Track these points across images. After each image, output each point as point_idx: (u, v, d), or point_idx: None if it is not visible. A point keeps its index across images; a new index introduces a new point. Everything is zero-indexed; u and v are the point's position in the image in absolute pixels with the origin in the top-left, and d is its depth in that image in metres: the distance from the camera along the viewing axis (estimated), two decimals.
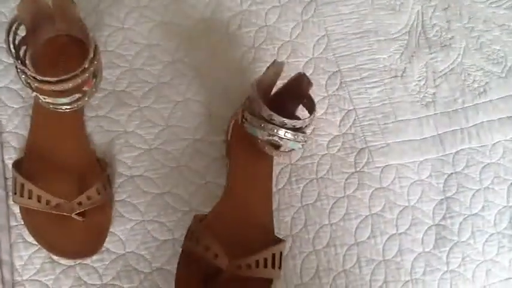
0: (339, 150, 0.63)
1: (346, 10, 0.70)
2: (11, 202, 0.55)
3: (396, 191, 0.61)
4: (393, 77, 0.67)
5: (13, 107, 0.59)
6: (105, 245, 0.55)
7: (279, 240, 0.54)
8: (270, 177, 0.58)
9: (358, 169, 0.62)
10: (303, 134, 0.52)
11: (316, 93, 0.64)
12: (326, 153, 0.62)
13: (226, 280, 0.49)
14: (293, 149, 0.54)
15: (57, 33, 0.58)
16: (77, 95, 0.52)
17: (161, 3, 0.65)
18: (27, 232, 0.54)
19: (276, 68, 0.55)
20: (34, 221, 0.53)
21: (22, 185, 0.52)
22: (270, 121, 0.50)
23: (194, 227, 0.52)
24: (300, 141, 0.52)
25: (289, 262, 0.57)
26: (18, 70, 0.50)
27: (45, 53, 0.58)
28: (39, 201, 0.51)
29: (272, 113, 0.50)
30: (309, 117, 0.52)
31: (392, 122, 0.65)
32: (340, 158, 0.62)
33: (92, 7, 0.64)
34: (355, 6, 0.70)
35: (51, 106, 0.52)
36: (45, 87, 0.50)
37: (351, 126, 0.64)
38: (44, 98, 0.51)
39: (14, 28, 0.52)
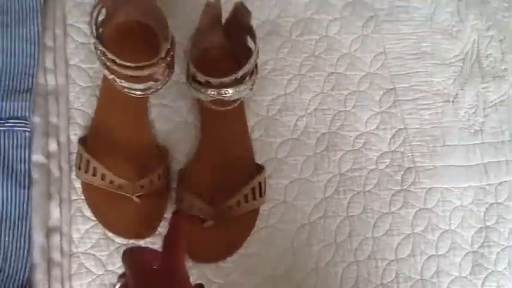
0: (387, 166, 0.64)
1: (405, 30, 0.71)
2: (73, 177, 0.56)
3: (439, 213, 0.62)
4: (445, 101, 0.69)
5: (81, 85, 0.61)
6: (159, 229, 0.56)
7: (259, 170, 0.58)
8: (240, 112, 0.61)
9: (404, 187, 0.63)
10: (245, 84, 0.55)
11: (369, 107, 0.66)
12: (375, 168, 0.63)
13: (214, 225, 0.55)
14: (240, 98, 0.57)
15: (130, 18, 0.59)
16: (151, 83, 0.54)
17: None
18: (86, 207, 0.55)
19: (211, 10, 0.56)
20: (94, 198, 0.54)
21: (87, 162, 0.53)
22: (207, 84, 0.53)
23: (177, 187, 0.57)
24: (244, 90, 0.55)
25: (331, 270, 0.59)
26: (99, 51, 0.52)
27: (116, 36, 0.59)
28: (102, 179, 0.53)
29: (207, 77, 0.52)
30: (244, 67, 0.54)
31: (441, 146, 0.66)
32: (387, 175, 0.63)
33: None
34: (414, 27, 0.72)
35: (125, 90, 0.54)
36: (123, 71, 0.51)
37: (400, 144, 0.65)
38: (121, 82, 0.52)
39: (97, 11, 0.53)
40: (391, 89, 0.68)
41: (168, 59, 0.54)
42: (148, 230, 0.55)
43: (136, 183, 0.53)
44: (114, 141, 0.57)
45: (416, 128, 0.66)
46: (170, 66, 0.56)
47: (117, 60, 0.51)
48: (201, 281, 0.56)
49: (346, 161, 0.63)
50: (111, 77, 0.53)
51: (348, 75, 0.67)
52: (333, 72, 0.67)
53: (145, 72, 0.52)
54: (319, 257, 0.59)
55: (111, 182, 0.53)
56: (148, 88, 0.54)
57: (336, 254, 0.59)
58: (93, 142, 0.56)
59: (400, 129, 0.66)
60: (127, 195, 0.53)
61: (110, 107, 0.58)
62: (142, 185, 0.53)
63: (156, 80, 0.55)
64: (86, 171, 0.53)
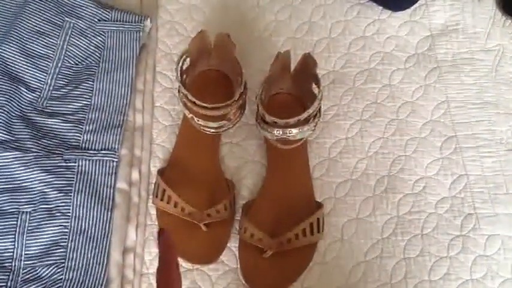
0: (446, 211, 0.65)
1: (468, 80, 0.74)
2: (150, 204, 0.64)
3: (500, 261, 0.62)
4: (508, 150, 0.69)
5: (164, 124, 0.69)
6: (221, 257, 0.61)
7: (318, 207, 0.61)
8: (303, 152, 0.66)
9: (463, 233, 0.64)
10: (308, 125, 0.59)
11: (430, 153, 0.68)
12: (433, 212, 0.65)
13: (273, 256, 0.58)
14: (303, 138, 0.62)
15: (210, 67, 0.68)
16: (224, 122, 0.61)
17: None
18: None
19: (282, 60, 0.62)
20: (167, 223, 0.61)
21: (164, 191, 0.60)
22: (274, 125, 0.58)
23: (241, 218, 0.61)
24: (307, 131, 0.60)
25: None
26: (181, 94, 0.60)
27: (197, 82, 0.67)
28: (175, 206, 0.59)
29: (274, 118, 0.58)
30: (307, 110, 0.59)
31: (504, 194, 0.66)
32: (446, 219, 0.64)
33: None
34: (477, 78, 0.74)
35: (201, 128, 0.61)
36: (201, 111, 0.59)
37: (461, 190, 0.66)
38: (198, 120, 0.60)
39: (182, 59, 0.61)
40: (453, 136, 0.70)
41: (240, 101, 0.61)
42: (212, 256, 0.60)
43: (204, 212, 0.59)
44: (188, 173, 0.63)
45: (477, 175, 0.67)
46: (242, 108, 0.63)
47: (197, 102, 0.58)
48: None
49: (404, 204, 0.65)
50: (190, 116, 0.61)
51: (409, 122, 0.70)
52: (394, 119, 0.70)
53: (220, 112, 0.59)
54: None
55: (183, 209, 0.59)
56: (221, 127, 0.61)
57: None
58: (169, 173, 0.64)
59: (461, 175, 0.67)
60: (195, 222, 0.59)
61: (187, 143, 0.65)
62: (210, 213, 0.59)
63: (228, 120, 0.61)
64: (162, 199, 0.60)
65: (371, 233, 0.64)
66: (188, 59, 0.63)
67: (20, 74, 0.68)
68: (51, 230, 0.60)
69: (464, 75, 0.74)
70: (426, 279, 0.61)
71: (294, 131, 0.59)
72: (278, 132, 0.59)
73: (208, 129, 0.61)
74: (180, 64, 0.61)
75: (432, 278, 0.61)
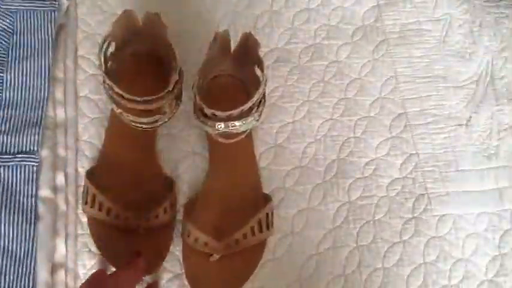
0: (397, 193, 0.63)
1: (417, 53, 0.70)
2: (80, 211, 0.57)
3: (452, 241, 0.61)
4: (458, 125, 0.67)
5: (90, 117, 0.62)
6: (164, 263, 0.56)
7: (266, 200, 0.57)
8: (248, 142, 0.61)
9: (415, 215, 0.62)
10: (252, 116, 0.54)
11: (380, 133, 0.65)
12: (385, 196, 0.62)
13: (221, 258, 0.54)
14: (247, 130, 0.57)
15: (138, 53, 0.60)
16: (158, 116, 0.54)
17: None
18: (92, 241, 0.56)
19: (220, 41, 0.56)
20: (100, 232, 0.55)
21: (94, 196, 0.54)
22: (214, 118, 0.53)
23: (183, 221, 0.56)
24: (251, 122, 0.55)
25: None
26: (107, 85, 0.52)
27: (124, 71, 0.59)
28: (108, 214, 0.53)
29: (214, 110, 0.52)
30: (251, 100, 0.53)
31: (454, 171, 0.65)
32: (398, 202, 0.62)
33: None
34: (426, 50, 0.71)
35: (132, 124, 0.54)
36: (130, 105, 0.52)
37: (411, 170, 0.64)
38: (127, 116, 0.53)
39: (106, 44, 0.53)
40: (402, 113, 0.67)
41: (175, 91, 0.54)
42: (155, 264, 0.55)
43: (143, 216, 0.53)
44: (121, 173, 0.57)
45: (428, 153, 0.65)
46: (178, 99, 0.56)
47: (125, 95, 0.51)
48: None
49: (355, 189, 0.63)
50: (118, 111, 0.53)
51: (358, 100, 0.67)
52: (342, 98, 0.66)
53: (153, 106, 0.52)
54: None
55: (117, 216, 0.53)
56: (156, 121, 0.55)
57: (345, 286, 0.58)
58: (100, 174, 0.57)
59: (412, 154, 0.65)
60: (133, 228, 0.53)
61: (117, 139, 0.59)
62: (148, 218, 0.53)
63: (163, 113, 0.55)
64: (92, 206, 0.54)
65: (323, 222, 0.61)
66: (113, 44, 0.55)
67: None
68: None
69: (413, 48, 0.70)
70: (380, 266, 0.59)
71: (237, 123, 0.54)
72: (219, 126, 0.53)
73: (140, 125, 0.54)
74: (104, 49, 0.53)
75: (386, 265, 0.60)
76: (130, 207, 0.54)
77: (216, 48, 0.57)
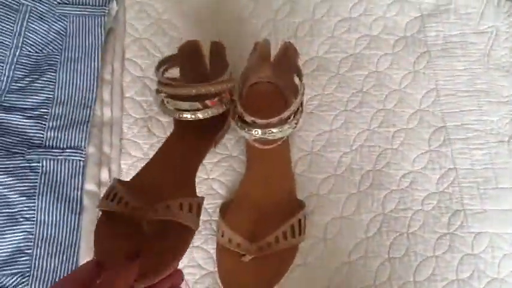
0: (433, 208, 0.62)
1: (459, 66, 0.69)
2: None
3: (487, 260, 0.60)
4: (499, 141, 0.66)
5: (134, 117, 0.64)
6: (198, 260, 0.59)
7: (300, 206, 0.58)
8: (284, 149, 0.61)
9: (451, 231, 0.61)
10: (289, 124, 0.55)
11: (418, 146, 0.64)
12: (420, 209, 0.62)
13: (252, 260, 0.55)
14: (283, 137, 0.57)
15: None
16: (198, 105, 0.54)
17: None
18: None
19: (260, 51, 0.57)
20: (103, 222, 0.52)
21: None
22: (253, 124, 0.54)
23: (218, 221, 0.57)
24: (287, 130, 0.55)
25: None
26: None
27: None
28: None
29: (254, 118, 0.53)
30: (289, 108, 0.54)
31: (493, 188, 0.63)
32: (433, 216, 0.62)
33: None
34: (469, 64, 0.70)
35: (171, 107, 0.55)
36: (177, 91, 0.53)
37: (449, 185, 0.63)
38: (167, 102, 0.54)
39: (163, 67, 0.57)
40: (442, 127, 0.66)
41: (220, 87, 0.55)
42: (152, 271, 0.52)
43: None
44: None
45: (467, 169, 0.64)
46: (223, 99, 0.57)
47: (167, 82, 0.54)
48: None
49: (390, 201, 0.63)
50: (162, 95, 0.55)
51: (396, 112, 0.67)
52: (381, 109, 0.66)
53: (193, 91, 0.53)
54: None
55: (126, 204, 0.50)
56: (195, 110, 0.55)
57: None
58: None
59: (450, 169, 0.64)
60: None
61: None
62: (157, 209, 0.50)
63: (204, 106, 0.55)
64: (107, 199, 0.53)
65: (355, 232, 0.61)
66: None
67: None
68: (15, 236, 0.56)
69: (455, 60, 0.69)
70: (411, 280, 0.59)
71: (275, 130, 0.55)
72: (256, 133, 0.54)
73: (181, 113, 0.55)
74: (161, 70, 0.56)
75: (417, 278, 0.59)
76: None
77: (256, 57, 0.58)
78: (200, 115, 0.54)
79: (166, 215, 0.44)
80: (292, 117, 0.56)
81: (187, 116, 0.55)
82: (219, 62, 0.59)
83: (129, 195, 0.47)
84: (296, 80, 0.60)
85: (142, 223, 0.44)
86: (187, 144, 0.57)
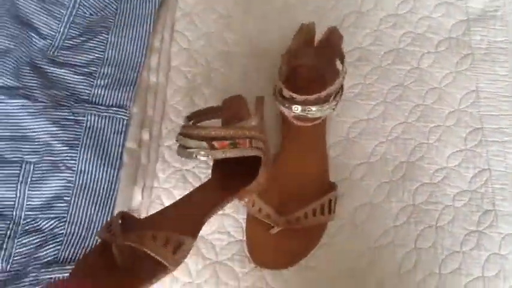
0: (464, 205, 0.62)
1: (501, 71, 0.70)
2: (158, 167, 0.61)
3: None
4: None
5: (178, 85, 0.67)
6: (228, 227, 0.59)
7: (331, 187, 0.59)
8: (321, 129, 0.62)
9: (480, 229, 0.61)
10: (329, 104, 0.55)
11: (454, 143, 0.65)
12: (451, 205, 0.62)
13: (280, 233, 0.56)
14: (321, 117, 0.58)
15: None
16: (204, 144, 0.48)
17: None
18: (165, 195, 0.60)
19: (305, 32, 0.58)
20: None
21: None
22: (292, 100, 0.54)
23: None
24: (327, 110, 0.56)
25: None
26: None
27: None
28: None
29: (292, 93, 0.53)
30: (329, 88, 0.54)
31: None
32: (464, 213, 0.62)
33: None
34: (511, 70, 0.70)
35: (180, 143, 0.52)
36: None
37: (481, 185, 0.63)
38: (179, 139, 0.51)
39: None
40: (479, 128, 0.66)
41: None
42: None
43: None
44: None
45: (500, 171, 0.64)
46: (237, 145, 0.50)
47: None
48: (259, 285, 0.57)
49: (421, 193, 0.63)
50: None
51: (435, 109, 0.67)
52: (420, 104, 0.67)
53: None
54: (380, 284, 0.58)
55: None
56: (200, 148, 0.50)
57: (398, 285, 0.58)
58: None
59: (484, 169, 0.64)
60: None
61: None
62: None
63: (211, 147, 0.49)
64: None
65: (384, 219, 0.61)
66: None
67: (32, 19, 0.65)
68: (55, 183, 0.58)
69: (498, 65, 0.70)
70: (436, 272, 0.59)
71: (314, 108, 0.56)
72: (296, 109, 0.56)
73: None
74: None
75: (442, 271, 0.59)
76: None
77: (301, 39, 0.60)
78: (202, 157, 0.48)
79: (135, 242, 0.41)
80: (332, 98, 0.57)
81: (192, 152, 0.49)
82: (246, 112, 0.56)
83: (118, 226, 0.45)
84: (338, 64, 0.61)
85: (112, 248, 0.42)
86: (210, 188, 0.55)
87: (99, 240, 0.44)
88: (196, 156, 0.48)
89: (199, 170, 0.63)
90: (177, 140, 0.50)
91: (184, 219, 0.48)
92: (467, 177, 0.63)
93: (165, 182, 0.62)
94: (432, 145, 0.65)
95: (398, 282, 0.58)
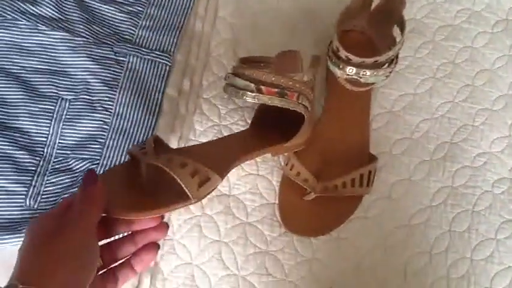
0: (503, 192, 0.61)
1: None
2: (195, 118, 0.59)
3: None
4: None
5: (223, 37, 0.64)
6: (261, 189, 0.58)
7: (371, 159, 0.57)
8: (367, 97, 0.60)
9: None
10: (384, 70, 0.53)
11: (499, 129, 0.63)
12: (489, 191, 0.60)
13: (315, 200, 0.55)
14: (373, 84, 0.56)
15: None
16: (252, 86, 0.47)
17: None
18: None
19: None
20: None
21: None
22: (347, 61, 0.53)
23: (289, 154, 0.56)
24: (381, 76, 0.54)
25: (421, 278, 0.57)
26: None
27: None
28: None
29: (348, 54, 0.52)
30: (386, 53, 0.53)
31: None
32: (502, 201, 0.60)
33: None
34: None
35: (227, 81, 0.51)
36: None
37: None
38: (228, 77, 0.49)
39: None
40: None
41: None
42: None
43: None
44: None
45: None
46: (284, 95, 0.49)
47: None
48: (288, 251, 0.56)
49: (461, 176, 0.61)
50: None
51: (484, 91, 0.65)
52: (469, 84, 0.64)
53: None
54: (410, 262, 0.57)
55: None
56: (247, 90, 0.48)
57: (428, 265, 0.57)
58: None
59: None
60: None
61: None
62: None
63: (258, 90, 0.47)
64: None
65: (421, 198, 0.60)
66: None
67: None
68: (90, 123, 0.56)
69: None
70: (468, 256, 0.58)
71: (369, 72, 0.53)
72: (351, 71, 0.53)
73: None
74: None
75: (474, 257, 0.58)
76: None
77: (358, 1, 0.57)
78: (248, 97, 0.47)
79: (164, 164, 0.40)
80: (387, 65, 0.55)
81: (238, 91, 0.48)
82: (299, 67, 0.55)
83: (151, 146, 0.44)
84: (395, 32, 0.58)
85: (141, 164, 0.41)
86: (247, 135, 0.55)
87: None
88: (242, 96, 0.46)
89: (237, 127, 0.60)
90: (226, 78, 0.49)
91: (216, 158, 0.47)
92: (509, 164, 0.62)
93: (202, 135, 0.60)
94: (477, 128, 0.63)
95: (429, 263, 0.57)
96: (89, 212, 0.35)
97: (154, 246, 0.42)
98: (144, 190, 0.41)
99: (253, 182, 0.59)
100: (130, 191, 0.40)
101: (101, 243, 0.39)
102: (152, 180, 0.41)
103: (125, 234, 0.42)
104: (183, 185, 0.40)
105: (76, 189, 0.54)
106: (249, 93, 0.46)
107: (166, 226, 0.42)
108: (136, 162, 0.42)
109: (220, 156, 0.48)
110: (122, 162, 0.55)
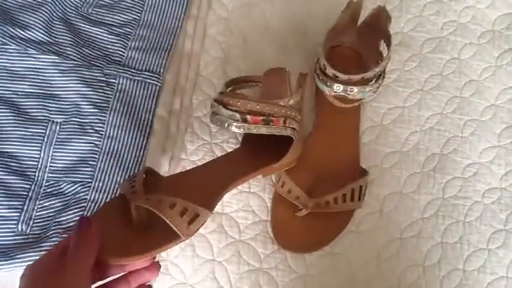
0: (493, 202, 0.61)
1: None
2: (187, 138, 0.60)
3: None
4: None
5: (212, 56, 0.65)
6: (253, 206, 0.59)
7: (362, 174, 0.57)
8: (356, 113, 0.61)
9: (507, 228, 0.60)
10: (371, 86, 0.54)
11: (488, 139, 0.63)
12: (480, 201, 0.61)
13: (307, 216, 0.55)
14: (360, 100, 0.57)
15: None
16: (237, 116, 0.48)
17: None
18: (192, 167, 0.58)
19: (353, 10, 0.57)
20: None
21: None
22: (334, 79, 0.53)
23: (280, 172, 0.56)
24: (368, 92, 0.55)
25: None
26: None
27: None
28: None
29: (335, 71, 0.52)
30: (373, 69, 0.53)
31: None
32: (492, 211, 0.61)
33: None
34: None
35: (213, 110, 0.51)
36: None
37: None
38: (213, 106, 0.50)
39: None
40: None
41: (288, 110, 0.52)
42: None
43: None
44: None
45: None
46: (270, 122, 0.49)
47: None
48: (281, 267, 0.57)
49: (452, 187, 0.62)
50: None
51: (472, 102, 0.65)
52: (457, 96, 0.65)
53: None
54: (404, 275, 0.58)
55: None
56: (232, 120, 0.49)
57: (422, 278, 0.58)
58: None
59: None
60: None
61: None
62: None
63: (243, 120, 0.48)
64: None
65: (412, 210, 0.60)
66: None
67: None
68: (81, 146, 0.56)
69: None
70: (460, 268, 0.58)
71: (356, 89, 0.54)
72: (338, 88, 0.54)
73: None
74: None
75: (467, 268, 0.58)
76: None
77: (347, 16, 0.58)
78: (234, 128, 0.47)
79: (153, 207, 0.40)
80: (374, 80, 0.55)
81: (224, 121, 0.48)
82: (286, 87, 0.56)
83: (141, 183, 0.44)
84: (382, 46, 0.59)
85: (131, 206, 0.41)
86: (235, 160, 0.54)
87: None
88: (228, 126, 0.46)
89: (228, 145, 0.61)
90: (212, 106, 0.49)
91: (205, 189, 0.47)
92: (498, 174, 0.62)
93: (193, 154, 0.60)
94: (466, 139, 0.63)
95: (422, 275, 0.57)
96: (83, 258, 0.36)
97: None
98: (135, 230, 0.41)
99: (246, 199, 0.59)
100: (122, 232, 0.41)
101: (95, 285, 0.40)
102: (143, 219, 0.42)
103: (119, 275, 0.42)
104: (173, 226, 0.41)
105: (68, 213, 0.54)
106: (234, 123, 0.46)
107: (158, 266, 0.44)
108: (127, 200, 0.42)
109: (210, 186, 0.48)
110: (115, 188, 0.55)
